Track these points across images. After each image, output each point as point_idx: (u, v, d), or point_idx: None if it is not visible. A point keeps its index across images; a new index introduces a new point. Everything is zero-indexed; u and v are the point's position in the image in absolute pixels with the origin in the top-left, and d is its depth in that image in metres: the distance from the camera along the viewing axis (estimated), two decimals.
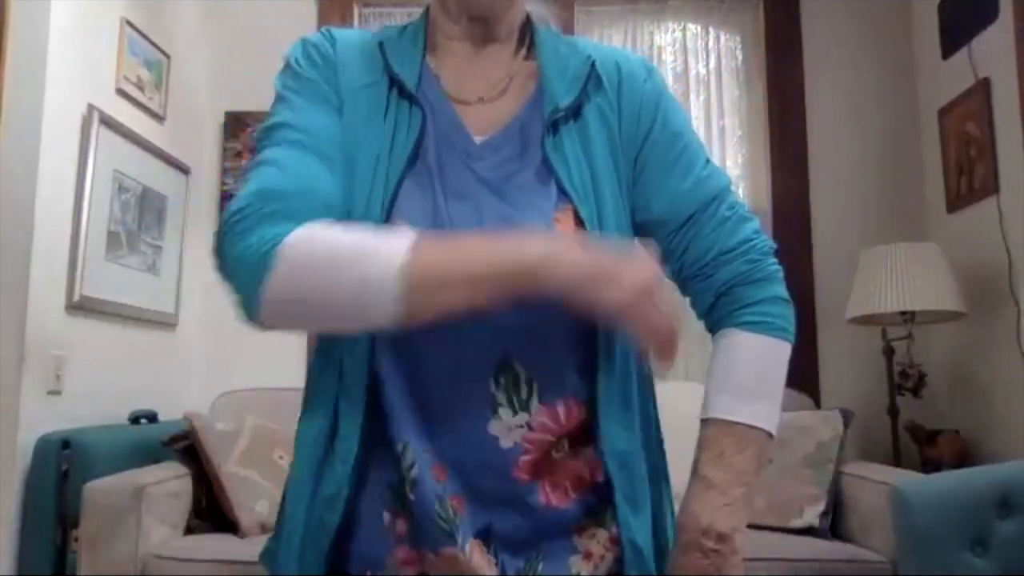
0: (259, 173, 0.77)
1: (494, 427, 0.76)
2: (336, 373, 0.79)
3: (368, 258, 0.69)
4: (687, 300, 0.89)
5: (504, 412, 0.76)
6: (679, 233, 0.86)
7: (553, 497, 0.78)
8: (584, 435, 0.79)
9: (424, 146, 0.81)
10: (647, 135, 0.86)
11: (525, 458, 0.76)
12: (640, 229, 0.87)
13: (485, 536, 0.76)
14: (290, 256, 0.71)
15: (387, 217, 0.77)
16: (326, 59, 0.85)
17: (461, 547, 0.74)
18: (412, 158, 0.79)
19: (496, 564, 0.76)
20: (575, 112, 0.84)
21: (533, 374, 0.76)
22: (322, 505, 0.77)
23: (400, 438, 0.76)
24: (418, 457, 0.75)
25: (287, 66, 0.86)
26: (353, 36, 0.89)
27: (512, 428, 0.76)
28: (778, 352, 0.83)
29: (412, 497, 0.75)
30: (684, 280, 0.87)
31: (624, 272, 0.69)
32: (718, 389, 0.82)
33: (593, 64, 0.86)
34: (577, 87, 0.84)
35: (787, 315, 0.84)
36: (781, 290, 0.85)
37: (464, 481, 0.76)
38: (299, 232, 0.72)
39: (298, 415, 0.83)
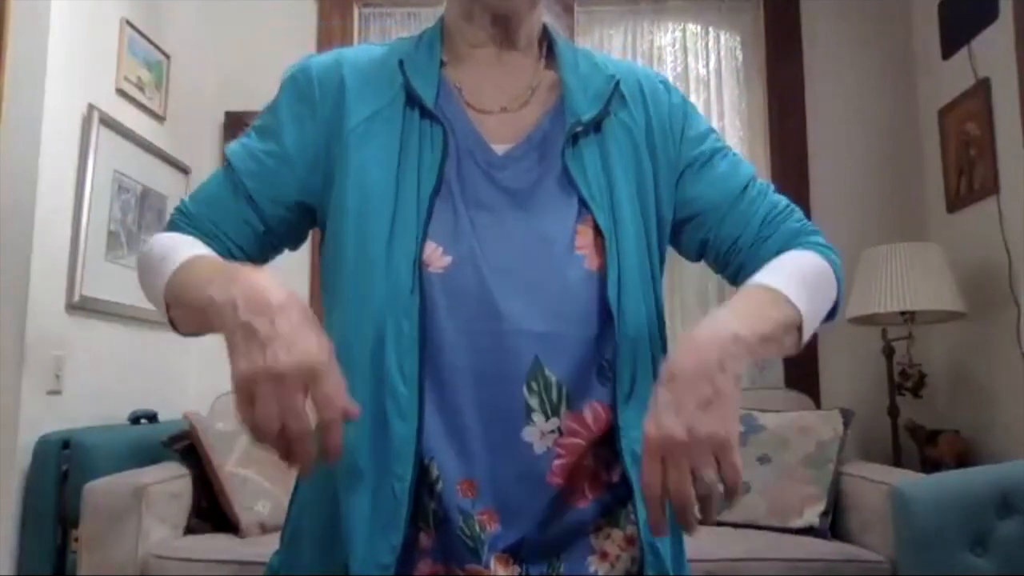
0: (201, 185, 0.90)
1: (528, 434, 0.76)
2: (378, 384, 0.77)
3: (164, 264, 0.79)
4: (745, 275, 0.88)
5: (537, 417, 0.76)
6: (732, 211, 0.88)
7: (574, 498, 0.78)
8: (604, 437, 0.79)
9: (446, 161, 0.81)
10: (681, 139, 0.90)
11: (558, 462, 0.76)
12: (684, 225, 0.89)
13: (515, 551, 0.76)
14: (140, 257, 0.86)
15: (423, 237, 0.77)
16: (328, 90, 0.86)
17: (485, 563, 0.74)
18: (439, 177, 0.80)
19: (521, 571, 0.76)
20: (595, 125, 0.85)
21: (562, 379, 0.76)
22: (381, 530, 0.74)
23: (427, 452, 0.75)
24: (444, 472, 0.75)
25: (282, 87, 0.89)
26: (364, 57, 0.89)
27: (545, 434, 0.76)
28: (828, 276, 0.85)
29: (438, 512, 0.75)
30: (745, 251, 0.88)
31: (279, 341, 0.62)
32: (762, 273, 0.80)
33: (617, 83, 0.88)
34: (600, 103, 0.86)
35: (837, 261, 0.88)
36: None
37: (496, 494, 0.75)
38: (154, 237, 0.86)
39: None
